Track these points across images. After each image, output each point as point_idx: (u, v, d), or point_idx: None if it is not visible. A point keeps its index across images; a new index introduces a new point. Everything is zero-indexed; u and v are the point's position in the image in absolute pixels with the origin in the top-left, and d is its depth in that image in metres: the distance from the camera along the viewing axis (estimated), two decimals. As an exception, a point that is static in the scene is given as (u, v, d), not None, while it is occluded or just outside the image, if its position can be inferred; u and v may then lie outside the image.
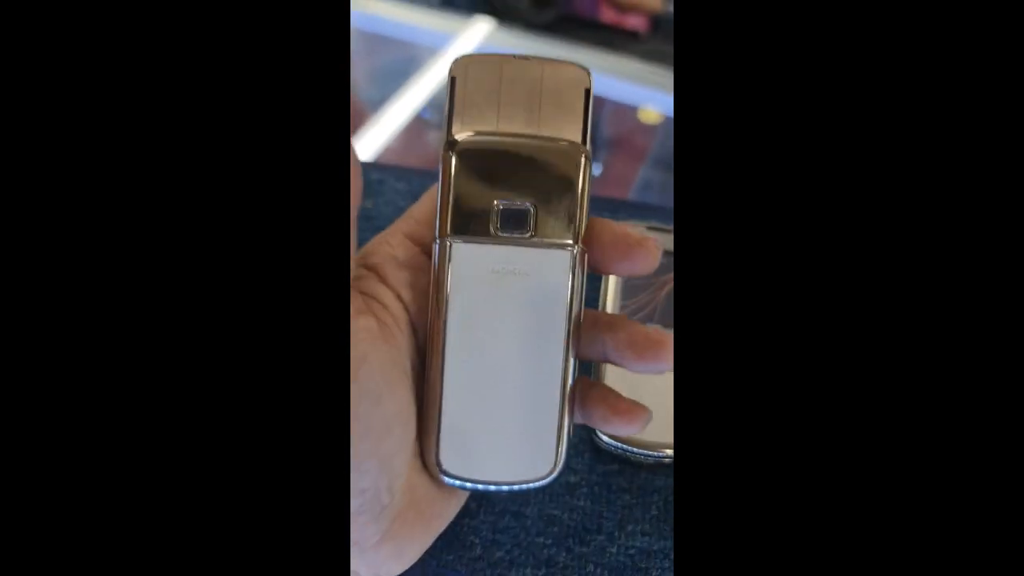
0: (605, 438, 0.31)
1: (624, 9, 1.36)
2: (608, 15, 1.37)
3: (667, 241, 0.37)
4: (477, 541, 0.29)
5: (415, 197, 0.41)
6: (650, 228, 0.40)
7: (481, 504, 0.30)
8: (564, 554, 0.29)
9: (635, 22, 1.36)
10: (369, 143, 0.97)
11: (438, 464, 0.25)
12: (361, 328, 0.23)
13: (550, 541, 0.29)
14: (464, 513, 0.30)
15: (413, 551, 0.26)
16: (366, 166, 0.44)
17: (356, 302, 0.24)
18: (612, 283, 0.36)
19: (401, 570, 0.25)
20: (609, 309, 0.35)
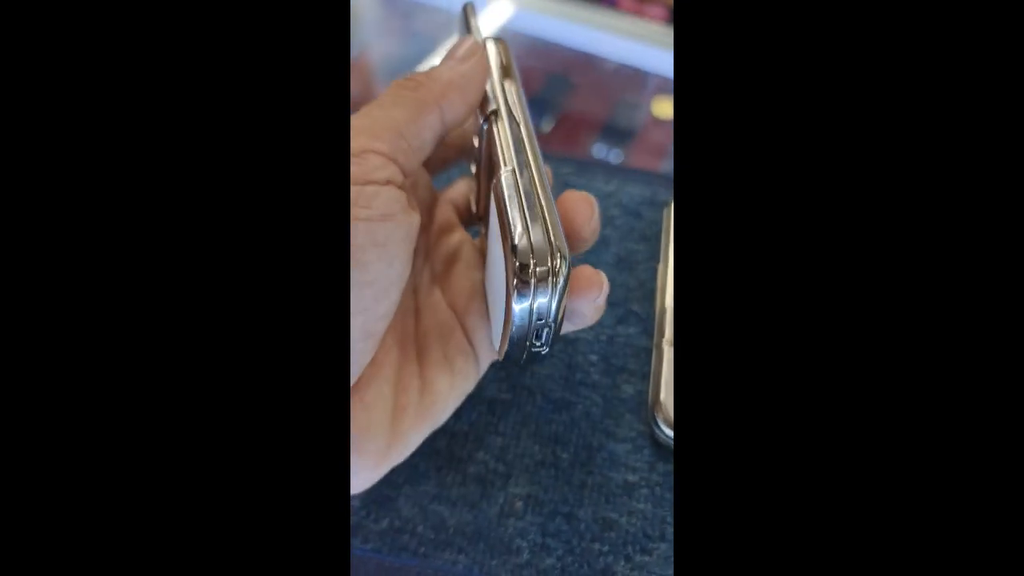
0: (667, 432, 0.28)
1: (644, -2, 1.32)
2: (626, 3, 1.34)
3: None
4: (524, 545, 0.26)
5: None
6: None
7: (529, 504, 0.27)
8: (623, 563, 0.25)
9: (655, 12, 1.33)
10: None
11: None
12: (390, 195, 0.21)
13: (607, 548, 0.26)
14: (510, 513, 0.26)
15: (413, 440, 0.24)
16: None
17: (388, 171, 0.22)
18: (669, 272, 0.33)
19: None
20: (668, 297, 0.32)
